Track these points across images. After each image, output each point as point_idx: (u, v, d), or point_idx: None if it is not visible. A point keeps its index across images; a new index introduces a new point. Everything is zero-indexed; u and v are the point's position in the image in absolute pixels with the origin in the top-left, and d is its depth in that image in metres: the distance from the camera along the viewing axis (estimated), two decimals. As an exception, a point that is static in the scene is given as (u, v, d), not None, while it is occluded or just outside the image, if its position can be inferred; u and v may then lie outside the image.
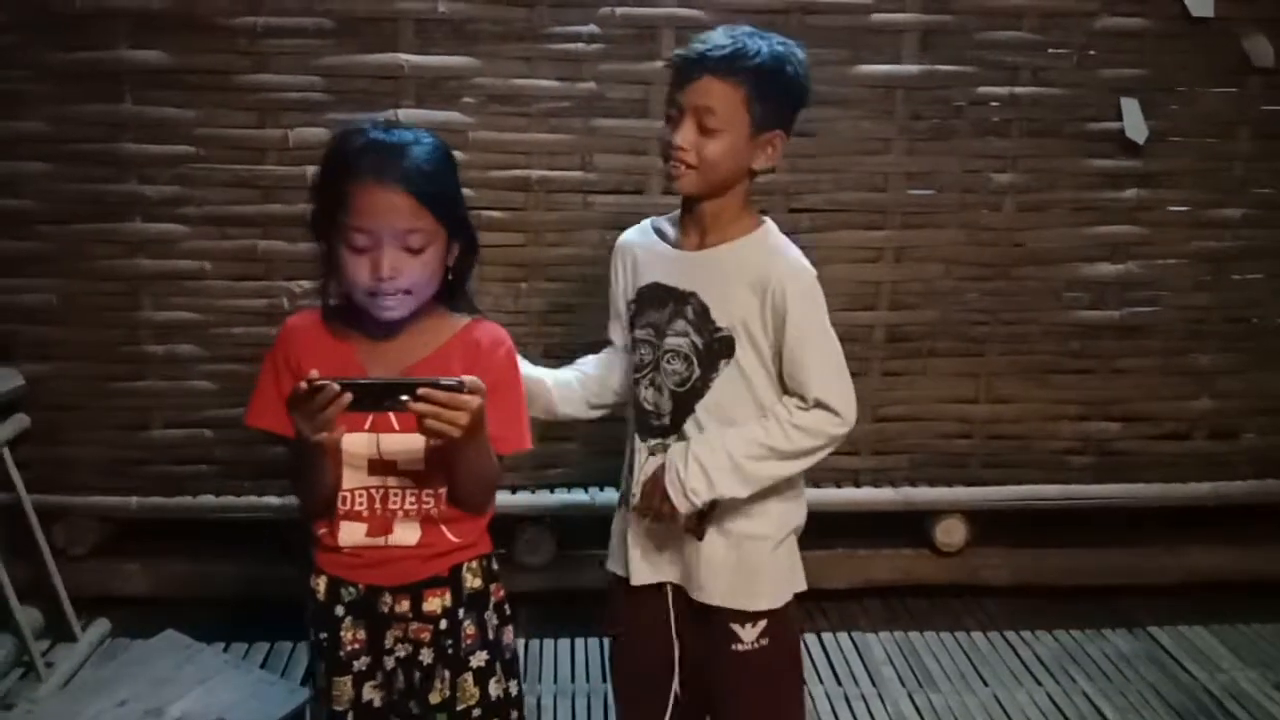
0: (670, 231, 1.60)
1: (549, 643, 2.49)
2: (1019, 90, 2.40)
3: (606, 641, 1.77)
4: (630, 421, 1.65)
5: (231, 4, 2.21)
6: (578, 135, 2.34)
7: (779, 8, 2.30)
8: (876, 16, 2.33)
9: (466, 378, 1.25)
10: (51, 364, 2.37)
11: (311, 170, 2.23)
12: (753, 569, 1.56)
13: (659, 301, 1.56)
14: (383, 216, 1.29)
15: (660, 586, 1.62)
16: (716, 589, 1.56)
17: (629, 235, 1.66)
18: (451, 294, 1.43)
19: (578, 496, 2.50)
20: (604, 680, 2.35)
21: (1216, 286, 2.57)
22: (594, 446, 2.49)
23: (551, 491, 2.51)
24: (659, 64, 2.30)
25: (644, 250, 1.61)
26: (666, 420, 1.56)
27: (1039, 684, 2.37)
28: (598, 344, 2.40)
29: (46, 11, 2.19)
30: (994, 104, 2.42)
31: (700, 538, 1.56)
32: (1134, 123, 2.43)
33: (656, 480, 1.53)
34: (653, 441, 1.58)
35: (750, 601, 1.56)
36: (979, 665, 2.44)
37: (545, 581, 2.56)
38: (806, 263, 1.53)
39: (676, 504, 1.50)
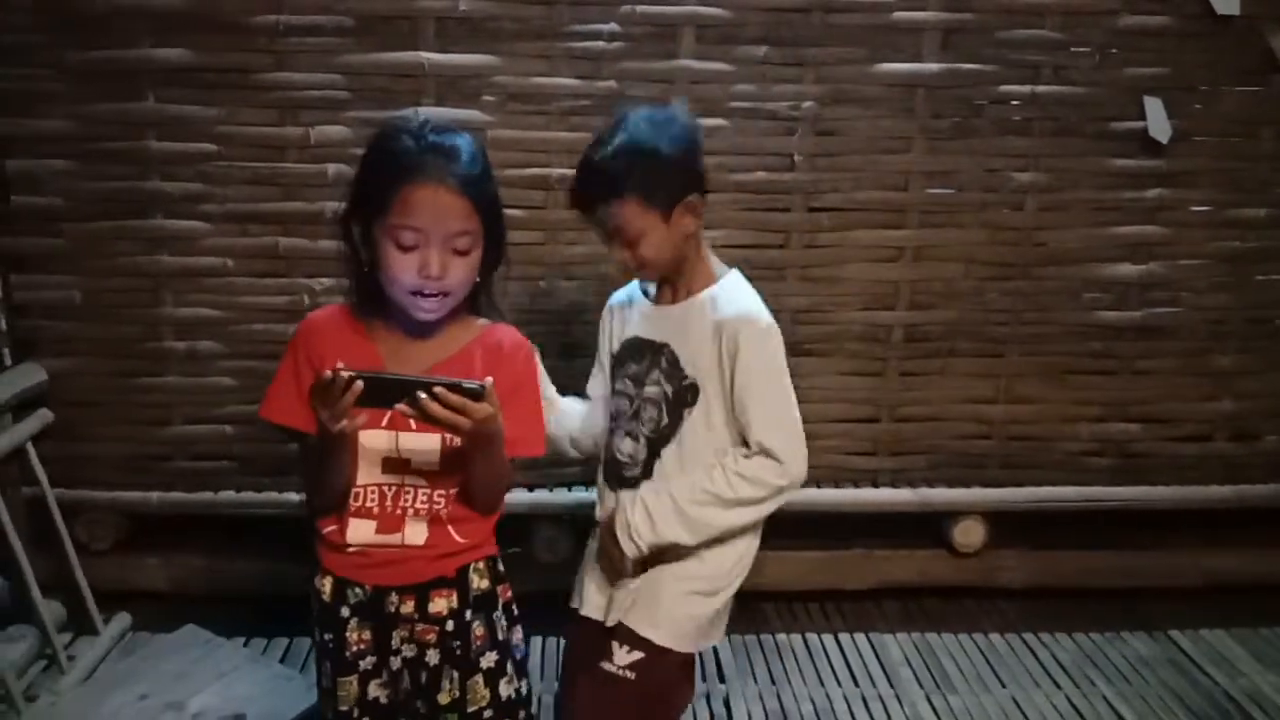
0: (651, 290, 1.72)
1: (564, 641, 2.48)
2: (1040, 89, 2.39)
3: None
4: (599, 474, 1.75)
5: (253, 3, 2.22)
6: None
7: (800, 6, 2.29)
8: (898, 15, 2.32)
9: (489, 382, 1.26)
10: (74, 360, 2.39)
11: (333, 168, 2.29)
12: (664, 598, 1.62)
13: (638, 354, 1.67)
14: (437, 217, 1.30)
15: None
16: (621, 606, 1.64)
17: (617, 296, 1.79)
18: (475, 297, 1.44)
19: (595, 495, 2.49)
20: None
21: (1238, 287, 2.55)
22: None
23: (569, 489, 2.51)
24: (679, 62, 2.30)
25: (629, 308, 1.74)
26: (639, 470, 1.66)
27: (1057, 686, 2.36)
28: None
29: (69, 11, 2.20)
30: (1015, 103, 2.40)
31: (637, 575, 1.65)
32: (1157, 122, 2.41)
33: (608, 525, 1.62)
34: (625, 493, 1.67)
35: (639, 624, 1.61)
36: (997, 667, 2.43)
37: (562, 580, 2.54)
38: (762, 310, 1.61)
39: (624, 547, 1.58)
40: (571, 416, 1.76)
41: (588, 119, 2.33)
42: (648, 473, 1.64)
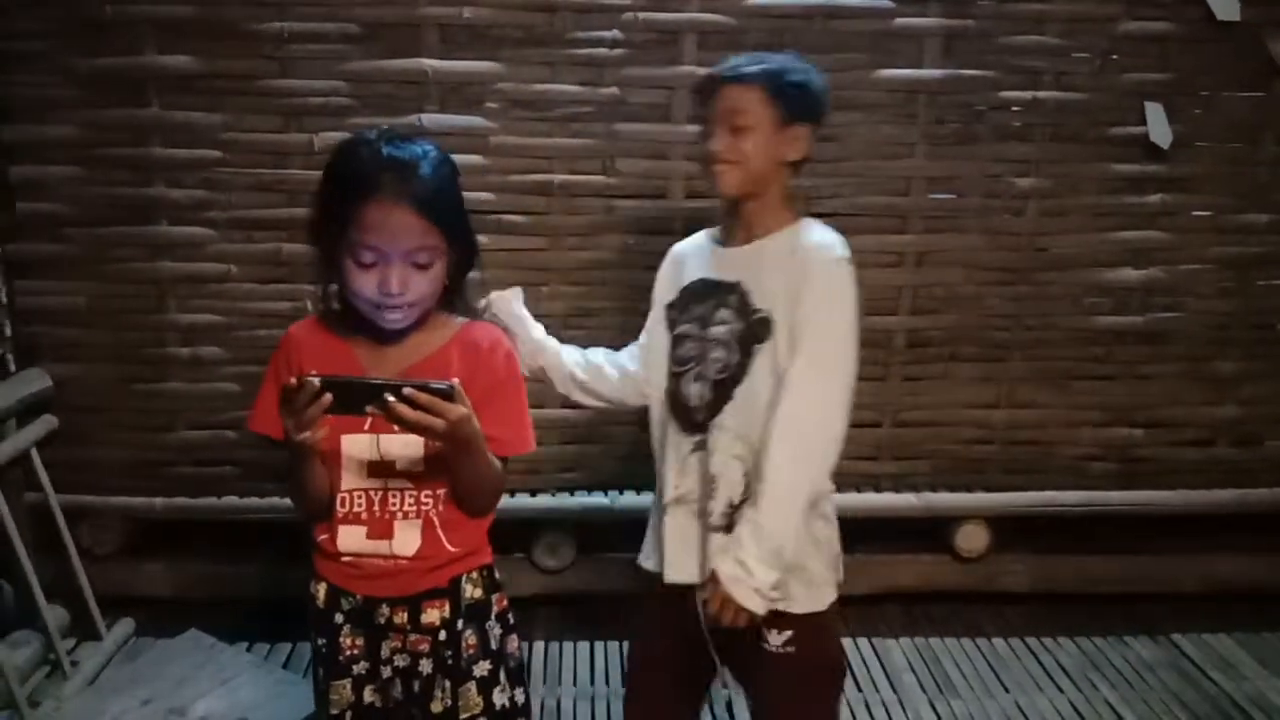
0: (719, 235, 1.68)
1: (568, 645, 2.49)
2: (1041, 95, 2.39)
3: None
4: (661, 422, 1.67)
5: (257, 10, 2.23)
6: (600, 140, 2.35)
7: (801, 13, 2.30)
8: (899, 21, 2.33)
9: (456, 382, 1.24)
10: (78, 366, 2.40)
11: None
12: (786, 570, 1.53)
13: (703, 295, 1.62)
14: (393, 235, 1.28)
15: (692, 587, 1.60)
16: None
17: (677, 247, 1.74)
18: (449, 297, 1.42)
19: (598, 500, 2.50)
20: (624, 684, 2.35)
21: (1240, 292, 2.56)
22: (614, 450, 2.50)
23: (571, 494, 2.51)
24: (681, 69, 2.31)
25: (693, 254, 1.69)
26: (705, 413, 1.59)
27: (1060, 691, 2.36)
28: (619, 348, 2.42)
29: (76, 18, 2.22)
30: (1016, 109, 2.41)
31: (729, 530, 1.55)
32: (1158, 127, 2.41)
33: (724, 600, 1.48)
34: (696, 437, 1.60)
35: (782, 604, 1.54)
36: (1000, 672, 2.43)
37: (565, 584, 2.57)
38: (839, 244, 1.56)
39: (753, 608, 1.47)
40: (565, 357, 1.71)
41: (590, 125, 2.34)
42: (714, 413, 1.57)
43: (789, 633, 1.57)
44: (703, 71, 1.59)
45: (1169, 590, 2.68)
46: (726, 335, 1.57)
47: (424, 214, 1.29)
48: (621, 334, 2.39)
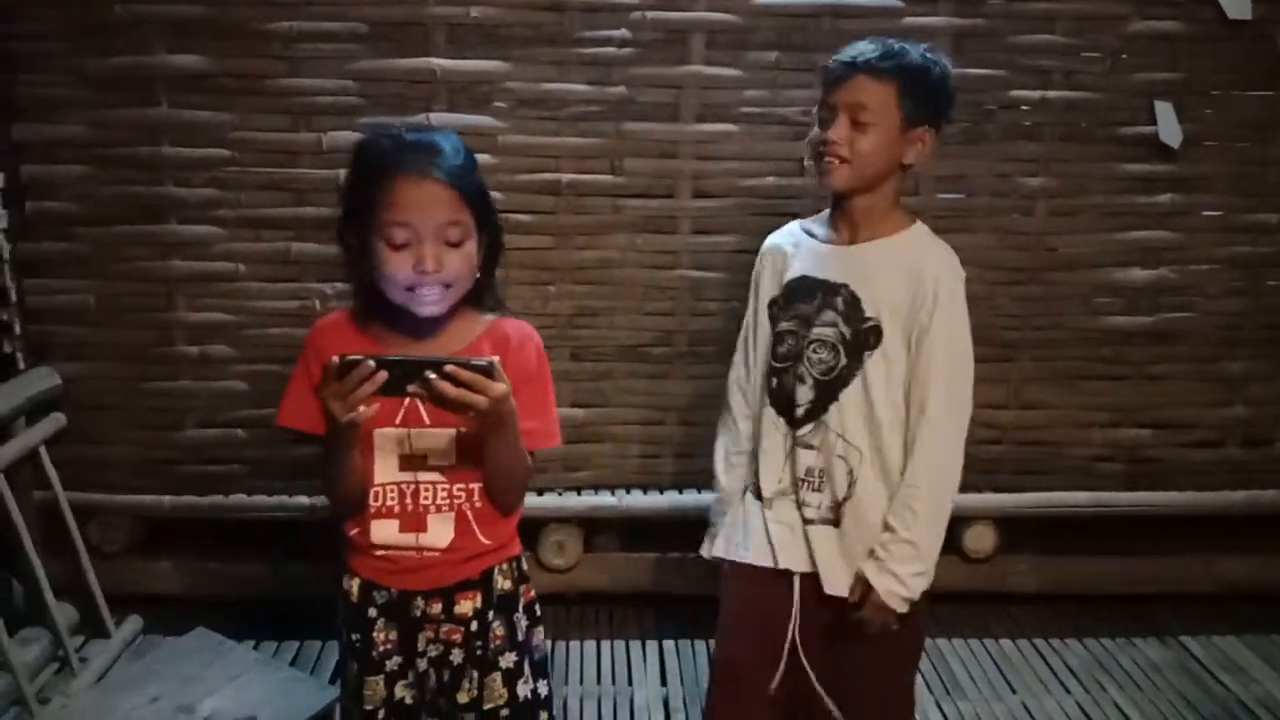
0: (820, 230, 1.65)
1: (575, 644, 2.49)
2: (1051, 94, 2.39)
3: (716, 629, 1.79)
4: (758, 417, 1.69)
5: (266, 9, 2.24)
6: (608, 139, 2.35)
7: (810, 12, 2.30)
8: (908, 20, 2.32)
9: (497, 359, 1.26)
10: (87, 364, 2.40)
11: (345, 174, 2.29)
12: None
13: (808, 294, 1.60)
14: (425, 209, 1.29)
15: (784, 574, 1.64)
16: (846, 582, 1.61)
17: (775, 239, 1.72)
18: (479, 292, 1.43)
19: (604, 499, 2.50)
20: (629, 683, 2.35)
21: (1250, 292, 2.54)
22: (621, 449, 2.50)
23: (579, 494, 2.51)
24: (689, 68, 2.31)
25: (793, 248, 1.66)
26: (807, 408, 1.60)
27: (1068, 692, 2.35)
28: (624, 348, 2.41)
29: (86, 18, 2.22)
30: (1025, 108, 2.40)
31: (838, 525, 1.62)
32: (1168, 127, 2.40)
33: (879, 608, 1.57)
34: (797, 432, 1.63)
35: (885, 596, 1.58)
36: (1007, 673, 2.42)
37: (571, 583, 2.57)
38: (958, 262, 1.57)
39: (900, 611, 1.57)
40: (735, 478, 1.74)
41: (598, 124, 2.34)
42: (817, 415, 1.59)
43: (892, 629, 1.60)
44: (834, 58, 1.57)
45: (1178, 591, 2.67)
46: (833, 337, 1.57)
47: (453, 186, 1.31)
48: (626, 332, 2.41)
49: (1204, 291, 2.53)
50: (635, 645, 2.44)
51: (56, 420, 2.35)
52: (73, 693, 2.12)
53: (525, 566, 1.52)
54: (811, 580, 1.63)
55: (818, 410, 1.59)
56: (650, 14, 2.28)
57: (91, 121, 2.28)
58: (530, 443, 1.40)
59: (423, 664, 1.44)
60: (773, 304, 1.67)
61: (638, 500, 2.48)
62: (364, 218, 1.33)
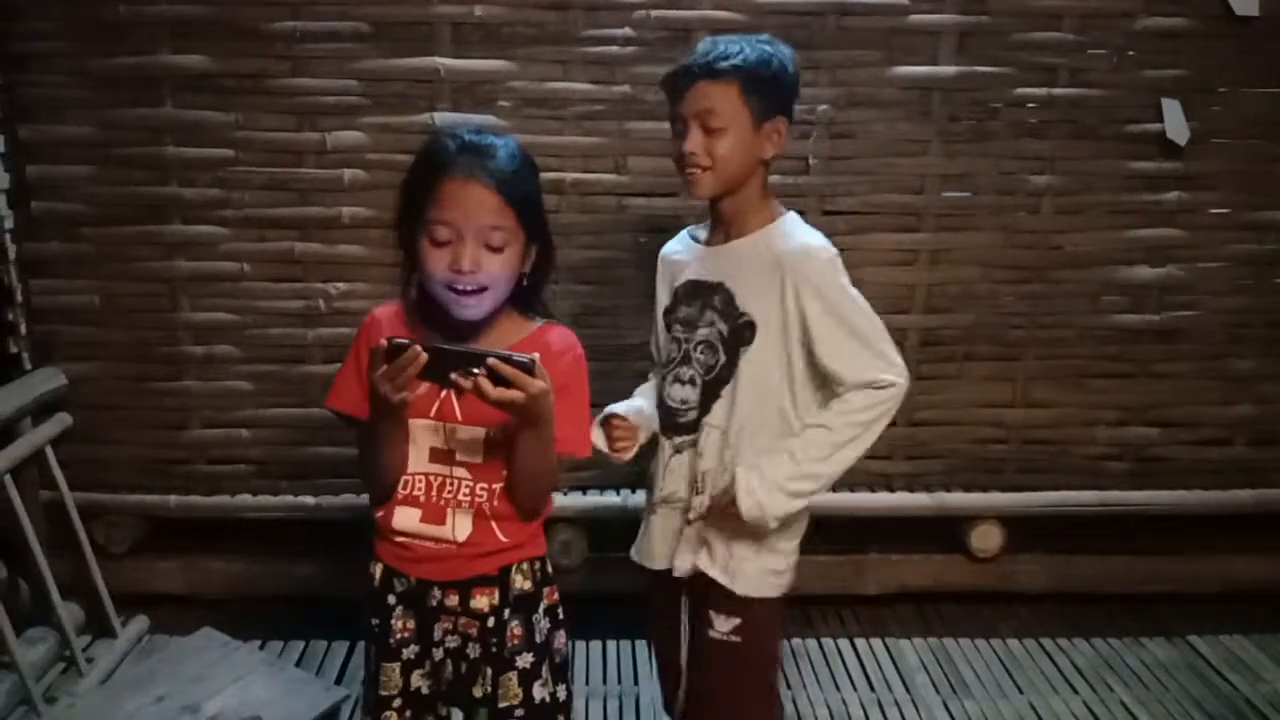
0: (703, 234, 1.67)
1: (580, 644, 2.49)
2: (1057, 92, 2.38)
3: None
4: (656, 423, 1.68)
5: (270, 9, 2.24)
6: (611, 138, 2.35)
7: (814, 10, 2.29)
8: (913, 18, 2.32)
9: (538, 356, 1.27)
10: (92, 364, 2.41)
11: (349, 173, 2.31)
12: (745, 551, 1.59)
13: (691, 297, 1.62)
14: (468, 210, 1.32)
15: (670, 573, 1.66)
16: (715, 560, 1.60)
17: (669, 246, 1.72)
18: (527, 298, 1.46)
19: (609, 499, 2.50)
20: (635, 683, 2.35)
21: (1257, 290, 2.53)
22: (626, 449, 2.50)
23: (584, 493, 2.51)
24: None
25: (681, 254, 1.68)
26: (693, 415, 1.60)
27: (1075, 692, 2.34)
28: (630, 346, 2.41)
29: (91, 18, 2.23)
30: (1031, 105, 2.39)
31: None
32: (1175, 124, 2.39)
33: (730, 500, 1.53)
34: (679, 439, 1.63)
35: (730, 581, 1.58)
36: (1014, 672, 2.41)
37: (577, 583, 2.56)
38: (824, 241, 1.55)
39: (746, 510, 1.51)
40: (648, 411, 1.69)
41: (602, 123, 2.33)
42: (703, 413, 1.58)
43: (736, 620, 1.59)
44: (669, 69, 1.56)
45: (1185, 591, 2.66)
46: (713, 336, 1.57)
47: (499, 191, 1.33)
48: (632, 332, 2.40)
49: (1211, 289, 2.52)
50: (641, 645, 2.43)
51: (62, 420, 2.36)
52: (79, 692, 2.13)
53: (550, 569, 1.53)
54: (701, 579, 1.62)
55: (703, 410, 1.59)
56: (654, 13, 2.28)
57: (96, 122, 2.29)
58: (560, 449, 1.41)
59: (439, 653, 1.46)
60: (667, 312, 1.67)
61: (643, 500, 2.47)
62: (415, 215, 1.36)
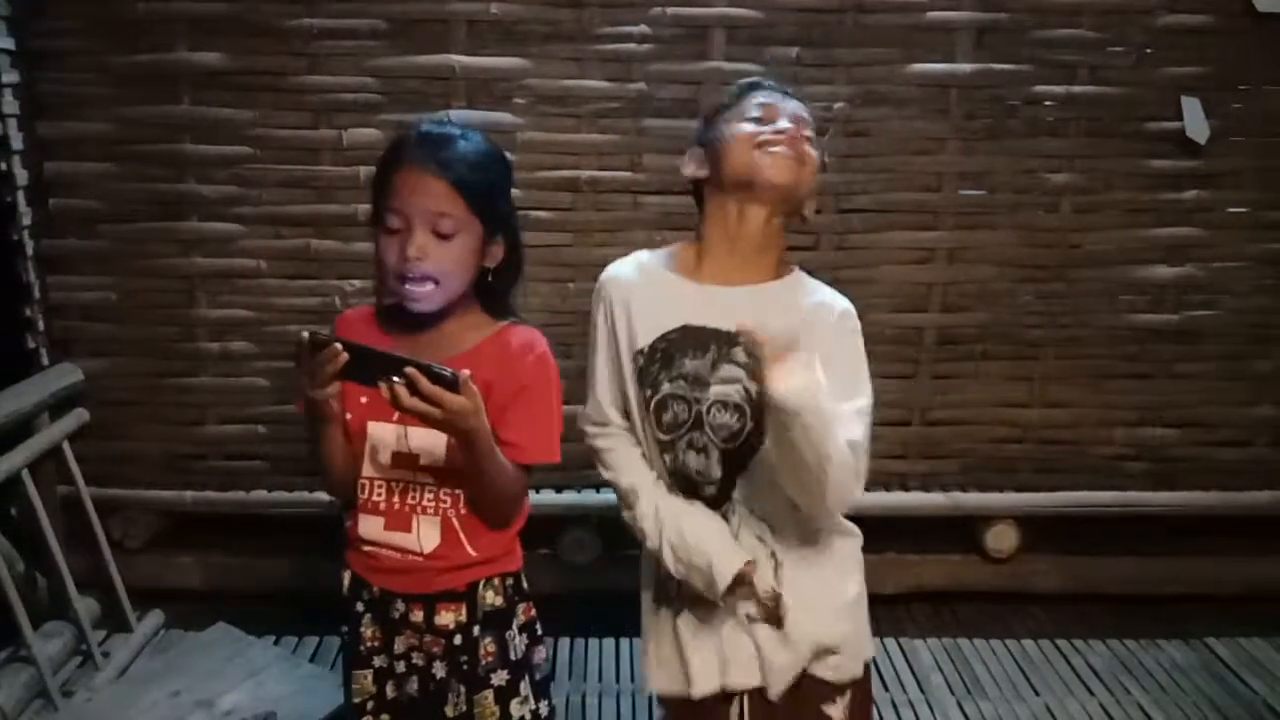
0: (670, 265, 1.44)
1: (594, 642, 2.49)
2: (1076, 89, 2.36)
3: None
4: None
5: (287, 6, 2.24)
6: (627, 136, 2.34)
7: (833, 7, 2.28)
8: (931, 15, 2.30)
9: (464, 373, 1.21)
10: (110, 360, 2.42)
11: (365, 170, 2.31)
12: (837, 636, 1.40)
13: (697, 346, 1.37)
14: (414, 197, 1.29)
15: (728, 696, 1.39)
16: (792, 662, 1.38)
17: (620, 271, 1.46)
18: (492, 297, 1.41)
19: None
20: (649, 681, 2.35)
21: (1277, 290, 2.51)
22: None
23: (597, 491, 2.50)
24: (710, 64, 2.30)
25: (655, 290, 1.41)
26: (715, 488, 1.38)
27: (1091, 693, 2.33)
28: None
29: (109, 16, 2.24)
30: (1050, 103, 2.38)
31: (780, 625, 1.37)
32: (1195, 122, 2.37)
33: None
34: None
35: (836, 671, 1.40)
36: (1029, 673, 2.40)
37: (591, 581, 2.56)
38: (846, 302, 1.42)
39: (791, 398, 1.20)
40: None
41: (617, 121, 2.33)
42: (726, 494, 1.37)
43: (845, 698, 1.41)
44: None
45: (1202, 592, 2.64)
46: (737, 396, 1.34)
47: (449, 180, 1.30)
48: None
49: (1231, 289, 2.50)
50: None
51: (79, 416, 2.37)
52: (95, 686, 2.14)
53: (525, 584, 1.48)
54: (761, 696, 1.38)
55: (727, 484, 1.37)
56: (670, 10, 2.27)
57: (114, 119, 2.30)
58: (518, 456, 1.35)
59: (401, 666, 1.42)
60: (641, 355, 1.39)
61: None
62: (376, 208, 1.34)
